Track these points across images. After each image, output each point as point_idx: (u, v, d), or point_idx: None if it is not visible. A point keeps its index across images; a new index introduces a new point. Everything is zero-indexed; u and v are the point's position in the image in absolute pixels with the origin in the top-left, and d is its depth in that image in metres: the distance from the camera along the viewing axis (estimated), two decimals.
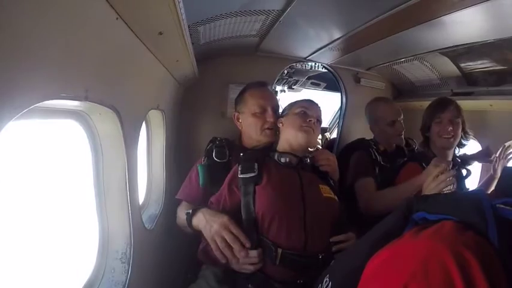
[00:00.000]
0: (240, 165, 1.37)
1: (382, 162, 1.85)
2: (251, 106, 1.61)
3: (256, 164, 1.34)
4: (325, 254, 1.21)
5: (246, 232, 1.23)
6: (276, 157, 1.42)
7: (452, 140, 1.61)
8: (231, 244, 1.20)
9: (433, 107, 1.70)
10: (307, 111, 1.45)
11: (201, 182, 1.51)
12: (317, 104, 1.52)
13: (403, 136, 1.94)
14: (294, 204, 1.26)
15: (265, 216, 1.24)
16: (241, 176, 1.33)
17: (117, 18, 0.81)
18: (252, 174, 1.32)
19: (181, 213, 1.46)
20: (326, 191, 1.36)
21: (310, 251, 1.21)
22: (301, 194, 1.30)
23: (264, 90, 1.67)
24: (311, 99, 1.56)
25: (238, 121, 1.67)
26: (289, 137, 1.43)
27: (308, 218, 1.24)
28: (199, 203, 1.48)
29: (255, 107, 1.60)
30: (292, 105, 1.52)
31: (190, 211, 1.35)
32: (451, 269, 0.50)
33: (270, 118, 1.58)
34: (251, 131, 1.62)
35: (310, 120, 1.42)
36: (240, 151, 1.51)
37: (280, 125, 1.51)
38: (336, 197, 1.37)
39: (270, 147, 1.56)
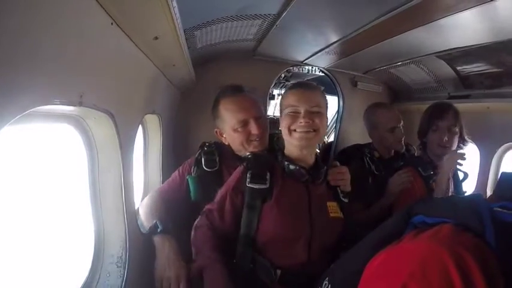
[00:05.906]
0: (249, 171, 1.18)
1: (375, 171, 1.82)
2: (230, 122, 1.38)
3: (268, 174, 1.17)
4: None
5: (241, 248, 1.15)
6: (285, 165, 1.20)
7: (447, 150, 1.60)
8: None
9: (430, 113, 1.67)
10: (297, 108, 1.14)
11: (192, 196, 1.40)
12: (311, 89, 1.20)
13: (403, 142, 1.91)
14: (300, 229, 1.16)
15: (268, 237, 1.15)
16: (249, 185, 1.16)
17: (112, 24, 0.81)
18: (263, 186, 1.15)
19: (149, 216, 1.33)
20: (333, 209, 1.23)
21: (311, 270, 1.13)
22: (309, 216, 1.18)
23: (238, 100, 1.41)
24: (303, 82, 1.30)
25: (222, 136, 1.47)
26: (286, 143, 1.24)
27: (313, 241, 1.16)
28: (178, 203, 1.42)
29: (234, 122, 1.37)
30: (283, 98, 1.23)
31: (161, 228, 1.25)
32: (450, 269, 0.50)
33: (254, 131, 1.37)
34: (237, 145, 1.42)
35: (300, 123, 1.13)
36: (233, 158, 1.40)
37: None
38: (342, 214, 1.25)
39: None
